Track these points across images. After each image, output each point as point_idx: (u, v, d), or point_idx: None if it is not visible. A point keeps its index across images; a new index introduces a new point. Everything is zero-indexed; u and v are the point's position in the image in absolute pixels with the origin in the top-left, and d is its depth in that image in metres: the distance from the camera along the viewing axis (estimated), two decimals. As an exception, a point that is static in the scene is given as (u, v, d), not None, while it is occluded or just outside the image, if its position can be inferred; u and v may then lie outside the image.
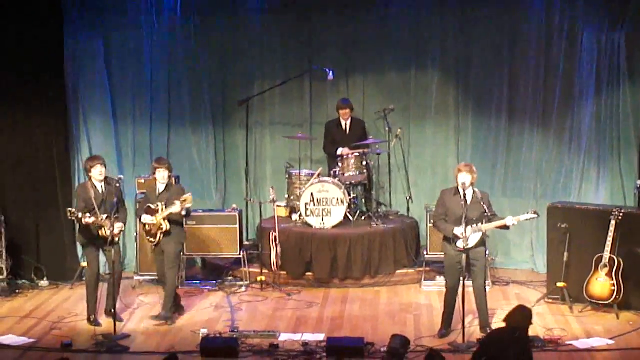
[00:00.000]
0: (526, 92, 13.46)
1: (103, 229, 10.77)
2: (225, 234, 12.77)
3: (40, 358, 9.98)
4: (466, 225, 10.03)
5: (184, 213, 11.03)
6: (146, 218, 11.06)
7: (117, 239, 10.89)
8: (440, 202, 10.50)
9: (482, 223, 10.20)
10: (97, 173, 10.87)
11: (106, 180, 10.94)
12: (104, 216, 10.74)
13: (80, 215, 10.67)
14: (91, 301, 11.10)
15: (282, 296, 12.25)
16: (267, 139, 14.37)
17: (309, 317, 11.40)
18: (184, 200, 10.90)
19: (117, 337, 10.40)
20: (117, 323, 10.56)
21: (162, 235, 11.04)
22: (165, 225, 10.98)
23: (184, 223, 11.47)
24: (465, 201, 10.17)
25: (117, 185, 10.97)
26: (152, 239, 11.16)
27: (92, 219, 10.67)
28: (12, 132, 12.97)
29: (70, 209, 10.92)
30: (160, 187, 11.16)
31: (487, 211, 10.21)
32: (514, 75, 13.53)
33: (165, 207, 10.93)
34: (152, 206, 11.06)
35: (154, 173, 11.15)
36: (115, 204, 10.75)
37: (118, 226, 10.77)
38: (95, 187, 10.90)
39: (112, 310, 10.95)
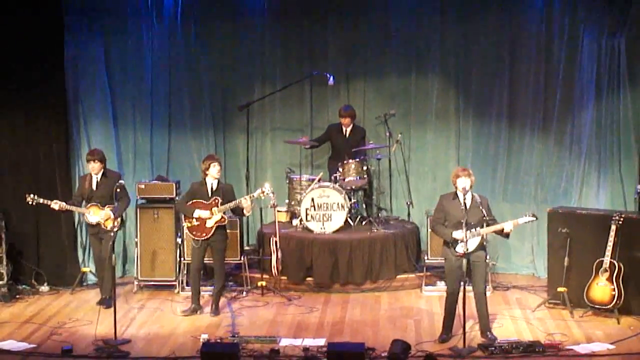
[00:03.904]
0: (526, 97, 13.47)
1: (85, 215, 11.95)
2: (226, 239, 12.79)
3: (40, 363, 10.00)
4: (466, 230, 10.04)
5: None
6: (202, 213, 11.48)
7: (107, 227, 11.63)
8: (439, 207, 10.50)
9: (480, 227, 10.21)
10: (91, 167, 11.97)
11: (104, 174, 11.92)
12: (89, 205, 11.88)
13: (42, 200, 11.82)
14: (99, 286, 12.26)
15: (282, 301, 12.24)
16: (267, 144, 14.37)
17: (309, 322, 11.39)
18: (252, 196, 11.69)
19: (118, 342, 10.40)
20: (118, 328, 10.56)
21: (216, 229, 11.53)
22: (225, 219, 11.60)
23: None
24: (465, 206, 10.18)
25: (116, 188, 11.36)
26: (202, 234, 11.52)
27: (57, 205, 11.80)
28: (13, 137, 12.98)
29: (30, 194, 11.84)
30: (214, 183, 11.59)
31: (485, 215, 10.22)
32: (515, 80, 13.54)
33: (222, 203, 11.50)
34: (205, 202, 11.50)
35: (207, 169, 11.53)
36: (109, 196, 11.52)
37: (103, 214, 11.74)
38: (91, 178, 11.95)
39: (103, 297, 11.92)
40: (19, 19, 12.64)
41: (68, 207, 11.87)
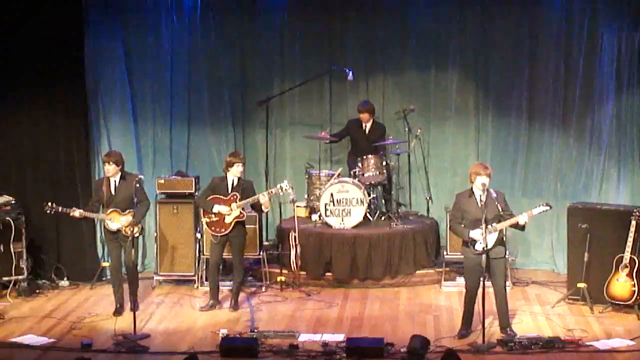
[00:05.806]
0: (546, 91, 13.43)
1: (106, 222, 11.30)
2: (245, 234, 12.80)
3: (60, 358, 10.00)
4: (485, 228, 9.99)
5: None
6: (221, 208, 11.45)
7: (128, 233, 11.17)
8: (455, 206, 10.47)
9: (497, 223, 10.16)
10: (106, 170, 11.35)
11: (122, 177, 11.31)
12: (110, 210, 11.22)
13: (60, 209, 11.24)
14: (114, 294, 11.54)
15: (301, 296, 12.25)
16: (286, 139, 14.37)
17: (328, 317, 11.39)
18: (271, 192, 11.75)
19: (137, 337, 10.43)
20: (137, 323, 10.58)
21: (235, 225, 11.49)
22: (244, 214, 11.56)
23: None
24: (482, 203, 10.14)
25: (135, 183, 11.14)
26: (221, 230, 11.51)
27: (78, 213, 11.23)
28: (33, 133, 13.01)
29: (47, 202, 11.38)
30: (234, 179, 11.55)
31: (502, 210, 10.17)
32: (534, 74, 13.49)
33: (241, 199, 11.46)
34: (224, 197, 11.49)
35: (230, 166, 11.49)
36: (130, 199, 11.07)
37: (124, 220, 11.14)
38: (109, 182, 11.32)
39: (118, 306, 11.47)
40: (39, 15, 12.67)
41: (88, 214, 11.36)
